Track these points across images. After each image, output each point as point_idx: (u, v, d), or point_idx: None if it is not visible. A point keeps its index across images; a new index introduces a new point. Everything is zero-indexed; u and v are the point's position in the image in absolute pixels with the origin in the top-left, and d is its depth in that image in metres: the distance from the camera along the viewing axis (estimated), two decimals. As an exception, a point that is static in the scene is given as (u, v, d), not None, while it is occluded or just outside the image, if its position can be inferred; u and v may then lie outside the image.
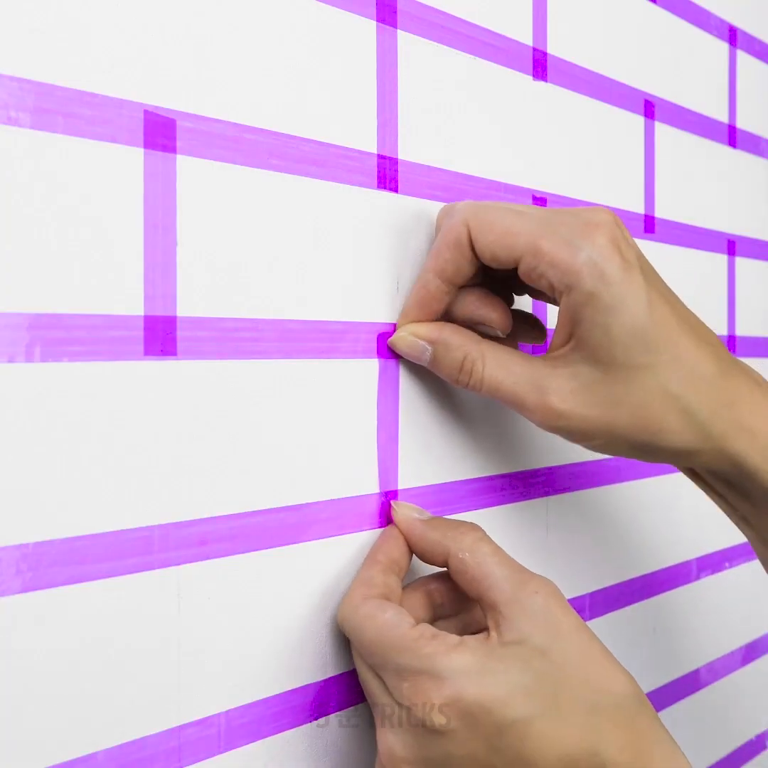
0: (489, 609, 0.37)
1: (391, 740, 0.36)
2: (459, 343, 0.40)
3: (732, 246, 0.68)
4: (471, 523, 0.40)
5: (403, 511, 0.41)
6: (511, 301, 0.44)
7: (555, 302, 0.40)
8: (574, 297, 0.38)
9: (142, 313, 0.33)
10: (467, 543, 0.38)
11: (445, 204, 0.43)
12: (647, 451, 0.41)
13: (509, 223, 0.39)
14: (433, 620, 0.40)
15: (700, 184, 0.64)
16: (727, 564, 0.67)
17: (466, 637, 0.36)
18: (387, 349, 0.42)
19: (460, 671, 0.34)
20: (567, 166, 0.52)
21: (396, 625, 0.36)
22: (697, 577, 0.64)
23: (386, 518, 0.42)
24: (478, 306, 0.41)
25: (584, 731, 0.35)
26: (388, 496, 0.42)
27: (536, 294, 0.44)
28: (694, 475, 0.45)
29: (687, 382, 0.39)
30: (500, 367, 0.40)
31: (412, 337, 0.41)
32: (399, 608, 0.37)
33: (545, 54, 0.50)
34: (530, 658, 0.35)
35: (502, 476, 0.48)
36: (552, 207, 0.46)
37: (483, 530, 0.39)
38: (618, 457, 0.55)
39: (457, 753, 0.34)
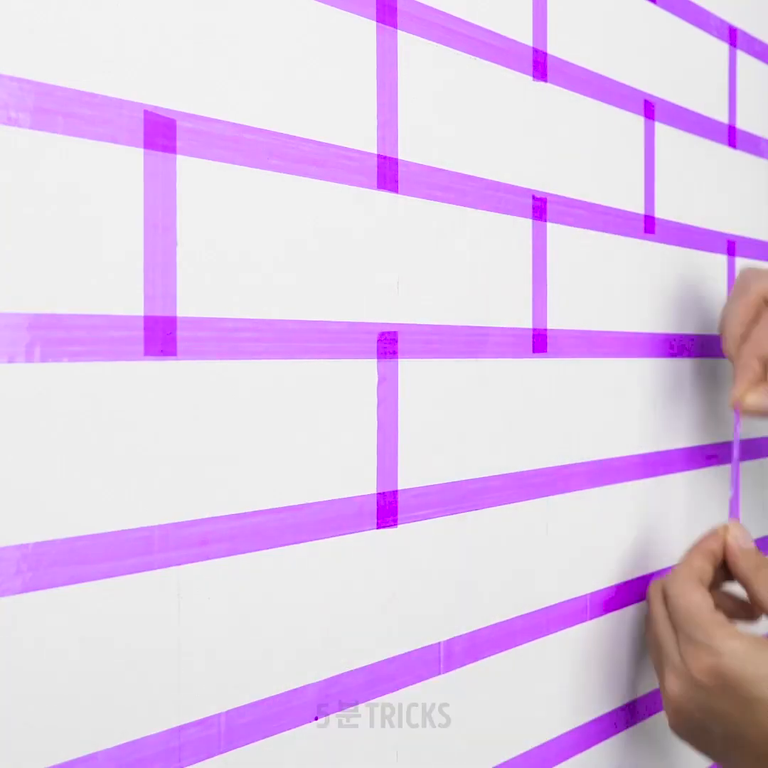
0: None
1: (672, 682, 0.49)
2: None
3: (732, 246, 0.68)
4: None
5: (733, 533, 0.54)
6: None
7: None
8: None
9: (142, 313, 0.33)
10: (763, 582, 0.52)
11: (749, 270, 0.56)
12: None
13: None
14: (731, 616, 0.52)
15: (700, 184, 0.64)
16: (727, 564, 0.67)
17: (745, 632, 0.48)
18: (387, 349, 0.42)
19: (730, 652, 0.47)
20: (567, 166, 0.52)
21: (701, 606, 0.49)
22: (697, 577, 0.64)
23: (386, 518, 0.42)
24: None
25: None
26: (387, 496, 0.42)
27: None
28: None
29: None
30: None
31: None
32: (706, 593, 0.50)
33: (545, 54, 0.50)
34: None
35: (502, 476, 0.48)
36: None
37: None
38: (620, 456, 0.55)
39: (716, 707, 0.47)
